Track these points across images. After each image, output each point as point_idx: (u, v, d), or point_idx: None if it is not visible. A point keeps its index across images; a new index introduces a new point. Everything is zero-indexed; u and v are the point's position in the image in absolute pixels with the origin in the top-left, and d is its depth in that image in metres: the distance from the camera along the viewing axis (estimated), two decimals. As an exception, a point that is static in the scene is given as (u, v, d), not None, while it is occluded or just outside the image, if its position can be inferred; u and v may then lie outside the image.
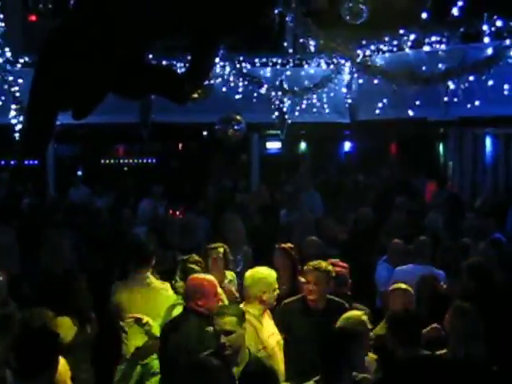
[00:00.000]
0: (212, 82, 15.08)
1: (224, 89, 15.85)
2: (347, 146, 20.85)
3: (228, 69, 15.82)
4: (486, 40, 12.14)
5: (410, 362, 5.79)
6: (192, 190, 16.71)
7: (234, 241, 9.10)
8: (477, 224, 10.76)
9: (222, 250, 7.93)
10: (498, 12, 11.48)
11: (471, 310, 6.04)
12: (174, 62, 14.85)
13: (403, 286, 7.20)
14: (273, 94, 16.09)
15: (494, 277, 7.85)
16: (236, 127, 14.32)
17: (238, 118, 14.44)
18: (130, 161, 22.29)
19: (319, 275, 6.87)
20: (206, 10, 4.78)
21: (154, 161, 22.21)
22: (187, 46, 5.40)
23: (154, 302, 7.21)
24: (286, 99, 16.20)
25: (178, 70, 13.23)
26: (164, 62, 14.55)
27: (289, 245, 8.13)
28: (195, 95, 7.08)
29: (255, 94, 16.07)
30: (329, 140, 19.91)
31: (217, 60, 15.35)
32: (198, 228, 10.19)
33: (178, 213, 13.22)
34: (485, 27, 12.13)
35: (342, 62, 15.46)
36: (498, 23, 11.55)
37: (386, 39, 14.61)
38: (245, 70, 16.02)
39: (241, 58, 15.97)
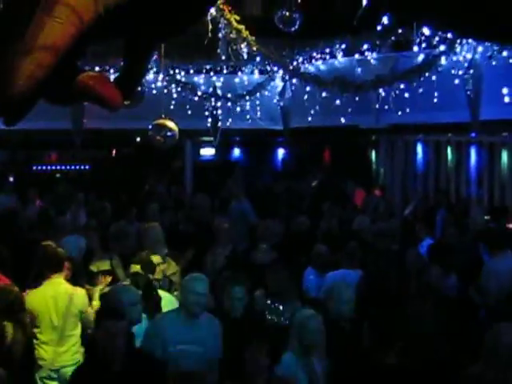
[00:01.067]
0: (145, 88, 15.01)
1: (157, 95, 15.77)
2: (281, 152, 20.96)
3: (161, 75, 15.74)
4: (416, 48, 12.31)
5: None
6: (125, 197, 16.58)
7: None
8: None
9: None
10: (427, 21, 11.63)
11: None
12: (107, 68, 14.75)
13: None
14: (206, 100, 16.07)
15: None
16: (169, 134, 14.26)
17: (171, 124, 14.38)
18: (63, 167, 22.07)
19: None
20: (141, 14, 4.78)
21: (87, 167, 22.03)
22: (120, 52, 5.38)
23: (67, 307, 7.25)
24: (219, 106, 16.21)
25: (111, 76, 13.13)
26: (97, 68, 14.41)
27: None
28: (127, 102, 7.03)
29: (189, 101, 16.03)
30: (263, 147, 20.00)
31: (150, 66, 15.31)
32: (130, 235, 10.11)
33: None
34: (414, 36, 12.31)
35: (275, 69, 15.51)
36: (427, 32, 11.73)
37: (319, 46, 14.70)
38: (178, 77, 15.95)
39: (174, 65, 15.89)
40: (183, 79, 15.98)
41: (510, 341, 5.42)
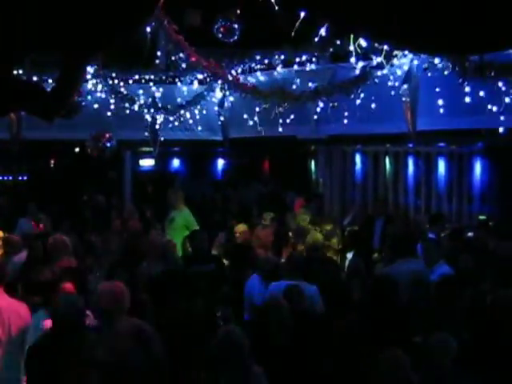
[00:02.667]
0: (84, 98, 14.91)
1: (96, 105, 15.65)
2: (221, 163, 20.98)
3: (100, 86, 15.63)
4: (354, 60, 12.43)
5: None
6: (63, 207, 16.44)
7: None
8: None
9: None
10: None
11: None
12: (45, 78, 14.58)
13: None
14: (145, 111, 16.00)
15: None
16: (107, 144, 14.21)
17: (109, 134, 14.34)
18: (0, 178, 21.79)
19: None
20: (76, 26, 4.75)
21: (25, 178, 21.77)
22: (57, 62, 5.35)
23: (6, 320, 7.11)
24: (158, 116, 16.14)
25: (49, 87, 13.00)
26: (34, 78, 14.25)
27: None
28: (63, 112, 6.97)
29: (127, 111, 15.93)
30: (202, 157, 19.99)
31: (89, 76, 15.19)
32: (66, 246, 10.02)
33: (40, 226, 13.14)
34: (351, 47, 12.41)
35: (214, 79, 15.50)
36: (364, 43, 11.85)
37: (258, 58, 14.74)
38: (117, 87, 15.85)
39: (113, 75, 15.77)
40: (122, 90, 15.86)
41: None
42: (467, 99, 11.11)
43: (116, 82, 15.79)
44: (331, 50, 13.35)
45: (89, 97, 15.55)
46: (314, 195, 16.65)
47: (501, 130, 11.00)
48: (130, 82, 16.15)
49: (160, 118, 16.14)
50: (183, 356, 6.83)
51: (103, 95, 15.69)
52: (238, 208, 17.08)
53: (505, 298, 6.94)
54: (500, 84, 10.51)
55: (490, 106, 10.78)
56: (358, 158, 17.27)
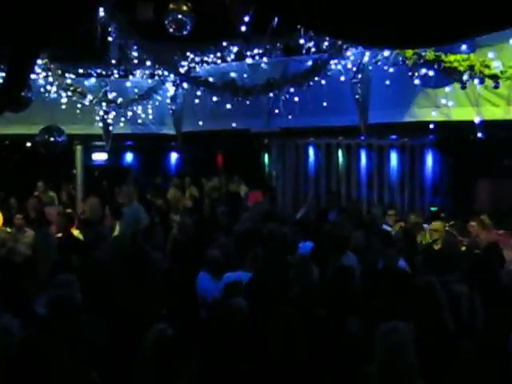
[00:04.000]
0: (34, 93, 14.74)
1: (47, 100, 15.48)
2: (174, 157, 20.91)
3: (51, 79, 15.46)
4: (306, 53, 12.46)
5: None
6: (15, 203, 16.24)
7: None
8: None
9: None
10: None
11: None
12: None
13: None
14: (97, 105, 15.87)
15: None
16: (58, 138, 14.09)
17: (60, 129, 14.21)
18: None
19: None
20: (22, 21, 4.70)
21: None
22: (5, 56, 5.29)
23: None
24: (110, 110, 16.03)
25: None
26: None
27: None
28: (13, 106, 6.89)
29: (79, 105, 15.79)
30: (155, 151, 19.91)
31: (39, 70, 15.03)
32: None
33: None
34: (302, 41, 12.45)
35: (166, 73, 15.43)
36: (315, 37, 11.91)
37: (210, 51, 14.71)
38: (68, 81, 15.68)
39: (64, 69, 15.61)
40: (73, 84, 15.71)
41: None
42: (417, 92, 11.22)
43: (67, 75, 15.61)
44: (283, 43, 13.40)
45: (40, 91, 15.40)
46: (267, 188, 16.69)
47: (450, 122, 11.10)
48: (81, 75, 16.01)
49: (112, 112, 16.03)
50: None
51: (54, 89, 15.51)
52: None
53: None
54: (449, 77, 10.62)
55: (439, 99, 10.89)
56: (310, 151, 17.33)
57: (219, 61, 14.75)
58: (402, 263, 9.47)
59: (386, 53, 11.23)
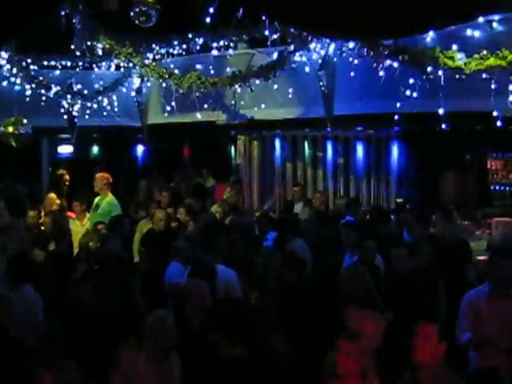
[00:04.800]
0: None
1: (10, 92, 15.32)
2: (140, 149, 20.81)
3: (15, 71, 15.31)
4: (271, 45, 12.49)
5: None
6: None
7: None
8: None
9: None
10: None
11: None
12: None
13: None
14: (62, 97, 15.74)
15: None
16: (21, 131, 13.97)
17: (24, 121, 14.09)
18: None
19: None
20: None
21: None
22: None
23: None
24: (75, 102, 15.90)
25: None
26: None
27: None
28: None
29: (44, 98, 15.65)
30: (121, 144, 19.80)
31: (3, 62, 14.89)
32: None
33: None
34: (269, 33, 12.47)
35: (131, 65, 15.33)
36: (280, 29, 11.95)
37: (176, 42, 14.66)
38: (33, 73, 15.53)
39: (28, 61, 15.45)
40: (37, 75, 15.56)
41: None
42: (382, 84, 11.27)
43: (31, 67, 15.47)
44: (249, 35, 13.39)
45: (4, 83, 15.26)
46: (233, 180, 16.69)
47: (415, 114, 11.17)
48: (46, 67, 15.88)
49: (77, 105, 15.91)
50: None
51: (18, 81, 15.36)
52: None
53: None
54: (414, 68, 10.69)
55: (403, 90, 10.94)
56: (276, 143, 17.33)
57: (184, 53, 14.71)
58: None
59: (351, 44, 11.26)
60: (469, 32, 10.44)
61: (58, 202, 14.13)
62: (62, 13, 14.11)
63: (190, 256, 9.58)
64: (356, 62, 11.46)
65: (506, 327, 7.17)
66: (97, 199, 13.85)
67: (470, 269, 9.63)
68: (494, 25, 10.25)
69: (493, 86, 10.02)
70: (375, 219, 12.30)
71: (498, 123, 10.28)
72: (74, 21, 14.49)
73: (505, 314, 7.24)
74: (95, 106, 16.04)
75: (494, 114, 10.19)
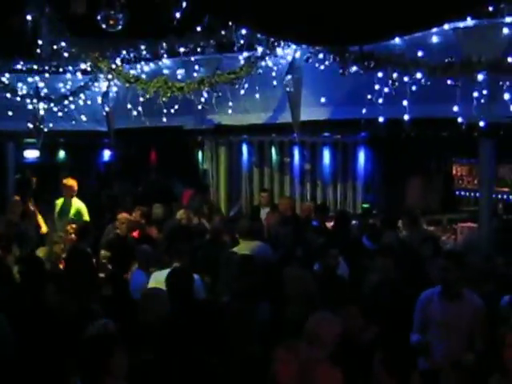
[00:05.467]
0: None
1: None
2: (107, 154, 20.74)
3: (-20, 75, 15.19)
4: (238, 50, 12.50)
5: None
6: None
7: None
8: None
9: None
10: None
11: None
12: None
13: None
14: (28, 101, 15.62)
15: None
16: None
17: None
18: None
19: None
20: None
21: None
22: None
23: None
24: (41, 107, 15.79)
25: None
26: None
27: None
28: None
29: (10, 102, 15.53)
30: (88, 148, 19.71)
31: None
32: None
33: None
34: (236, 38, 12.47)
35: (99, 69, 15.24)
36: (244, 32, 11.96)
37: (143, 47, 14.62)
38: (-1, 77, 15.43)
39: (-6, 65, 15.36)
40: (3, 79, 15.44)
41: None
42: (348, 89, 11.33)
43: (-3, 71, 15.36)
44: (216, 40, 13.39)
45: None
46: (200, 186, 16.70)
47: (381, 120, 11.22)
48: (13, 72, 15.76)
49: (44, 109, 15.79)
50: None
51: (-17, 85, 15.24)
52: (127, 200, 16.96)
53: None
54: (380, 74, 10.75)
55: (369, 97, 11.00)
56: (244, 148, 17.37)
57: (152, 58, 14.67)
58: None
59: (318, 50, 11.31)
60: (434, 39, 10.54)
61: (21, 207, 14.02)
62: (29, 16, 14.04)
63: (151, 261, 9.61)
64: (322, 67, 11.49)
65: (453, 328, 7.38)
66: (60, 203, 13.83)
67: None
68: (459, 32, 10.34)
69: (458, 93, 10.13)
70: (339, 225, 12.40)
71: (463, 129, 10.37)
72: (40, 24, 14.40)
73: (453, 315, 7.43)
74: (62, 110, 15.93)
75: (459, 120, 10.28)
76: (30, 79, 15.79)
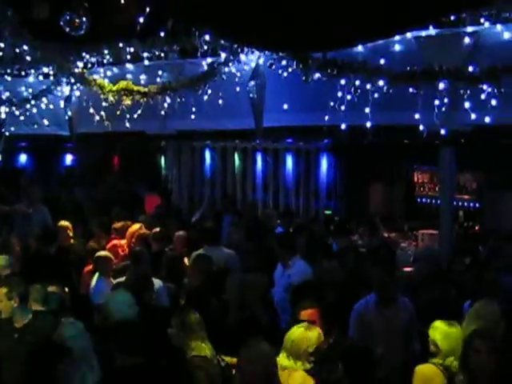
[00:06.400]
0: None
1: None
2: (69, 158, 20.62)
3: None
4: (201, 56, 12.49)
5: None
6: None
7: None
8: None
9: None
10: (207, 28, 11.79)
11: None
12: None
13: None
14: (-11, 104, 15.51)
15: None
16: None
17: None
18: None
19: None
20: None
21: None
22: None
23: None
24: (3, 110, 15.66)
25: None
26: None
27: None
28: None
29: (-29, 105, 15.39)
30: (50, 153, 19.59)
31: None
32: None
33: None
34: (199, 43, 12.45)
35: (61, 73, 15.13)
36: (207, 38, 11.96)
37: (106, 52, 14.54)
38: (-41, 80, 15.28)
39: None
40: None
41: None
42: (311, 96, 11.38)
43: (-42, 74, 15.22)
44: (179, 45, 13.36)
45: None
46: (163, 191, 16.69)
47: (343, 126, 11.28)
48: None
49: (5, 112, 15.66)
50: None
51: None
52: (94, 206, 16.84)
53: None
54: (342, 81, 10.81)
55: (332, 103, 11.05)
56: (206, 154, 17.37)
57: (115, 62, 14.60)
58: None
59: (281, 57, 11.34)
60: (397, 47, 10.63)
61: None
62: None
63: (110, 268, 9.64)
64: (285, 74, 11.52)
65: (391, 334, 7.56)
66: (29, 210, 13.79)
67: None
68: (421, 40, 10.43)
69: (419, 101, 10.22)
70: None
71: (424, 137, 10.46)
72: (2, 27, 14.26)
73: (390, 321, 7.62)
74: (24, 114, 15.81)
75: (421, 127, 10.37)
76: (-9, 82, 15.68)
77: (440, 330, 6.44)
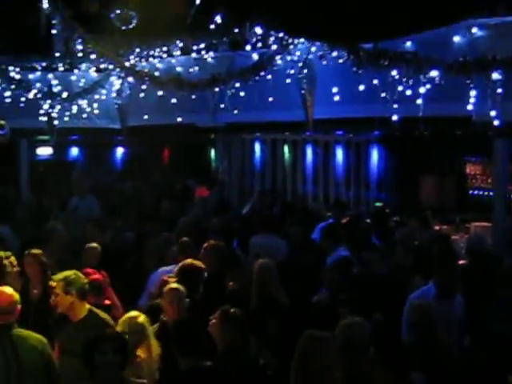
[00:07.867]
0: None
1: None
2: (120, 151, 20.76)
3: (-5, 72, 15.20)
4: (250, 48, 12.47)
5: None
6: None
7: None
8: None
9: None
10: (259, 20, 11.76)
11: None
12: None
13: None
14: (41, 99, 15.64)
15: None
16: (0, 132, 13.90)
17: (2, 122, 14.01)
18: None
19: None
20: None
21: None
22: None
23: None
24: (55, 104, 15.81)
25: None
26: None
27: (39, 251, 8.41)
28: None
29: (23, 99, 15.53)
30: (101, 146, 19.75)
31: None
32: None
33: None
34: (250, 35, 12.42)
35: (111, 67, 15.23)
36: (259, 31, 11.90)
37: (156, 45, 14.62)
38: (12, 74, 15.42)
39: (8, 62, 15.36)
40: (17, 77, 15.46)
41: None
42: (362, 87, 11.27)
43: (10, 68, 15.36)
44: (229, 37, 13.36)
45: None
46: (213, 183, 16.70)
47: (394, 118, 11.15)
48: (26, 68, 15.77)
49: (57, 106, 15.81)
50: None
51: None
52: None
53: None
54: (393, 72, 10.69)
55: (383, 95, 10.94)
56: (256, 146, 17.36)
57: (165, 55, 14.66)
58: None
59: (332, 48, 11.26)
60: (449, 37, 10.48)
61: None
62: (43, 14, 14.06)
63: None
64: (337, 65, 11.44)
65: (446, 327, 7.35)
66: (76, 201, 13.89)
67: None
68: (474, 29, 10.27)
69: (472, 92, 10.06)
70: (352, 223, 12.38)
71: (477, 128, 10.31)
72: (53, 22, 14.40)
73: (447, 315, 7.48)
74: (75, 107, 15.94)
75: (474, 118, 10.22)
76: (43, 77, 15.82)
77: None
